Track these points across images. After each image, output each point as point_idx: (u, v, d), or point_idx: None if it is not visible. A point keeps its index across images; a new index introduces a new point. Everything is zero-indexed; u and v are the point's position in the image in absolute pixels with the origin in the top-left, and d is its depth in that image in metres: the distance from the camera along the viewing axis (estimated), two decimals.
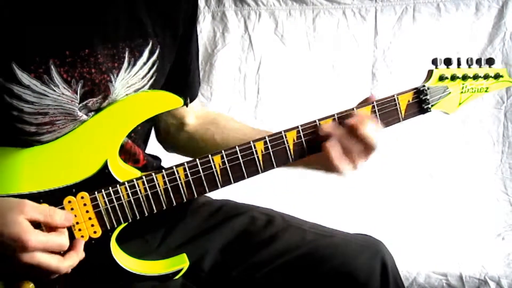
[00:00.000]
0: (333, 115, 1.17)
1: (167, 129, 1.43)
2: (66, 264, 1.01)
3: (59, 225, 1.02)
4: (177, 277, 1.17)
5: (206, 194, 1.18)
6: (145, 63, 1.17)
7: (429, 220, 2.38)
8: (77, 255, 1.05)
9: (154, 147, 1.44)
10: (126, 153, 1.23)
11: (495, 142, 2.59)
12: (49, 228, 1.01)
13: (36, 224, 0.99)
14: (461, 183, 2.55)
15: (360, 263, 1.25)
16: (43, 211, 1.00)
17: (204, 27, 2.54)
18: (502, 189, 2.56)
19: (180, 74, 1.33)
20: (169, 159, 1.41)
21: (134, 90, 1.17)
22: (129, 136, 1.22)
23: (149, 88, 1.19)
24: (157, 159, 1.41)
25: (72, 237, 1.06)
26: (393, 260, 1.29)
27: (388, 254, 1.28)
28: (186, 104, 1.14)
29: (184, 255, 1.19)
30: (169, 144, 1.47)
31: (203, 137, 1.38)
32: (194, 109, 1.42)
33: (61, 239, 1.01)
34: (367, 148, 1.14)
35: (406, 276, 2.01)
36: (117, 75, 1.12)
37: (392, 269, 1.27)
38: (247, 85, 2.59)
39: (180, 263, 1.17)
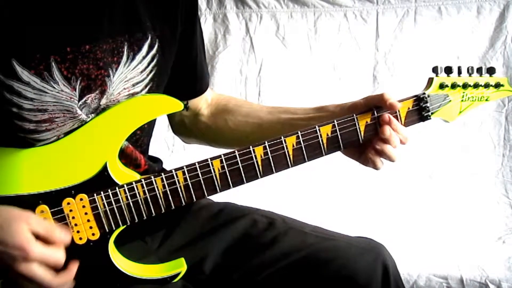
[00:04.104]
0: (333, 121, 1.17)
1: (182, 122, 1.44)
2: (58, 281, 1.03)
3: (58, 241, 1.03)
4: (175, 280, 1.17)
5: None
6: (144, 57, 1.17)
7: (430, 223, 2.37)
8: (70, 276, 1.06)
9: (155, 148, 1.44)
10: (127, 158, 1.23)
11: (496, 145, 2.59)
12: (48, 242, 1.02)
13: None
14: (462, 186, 2.55)
15: (361, 266, 1.24)
16: (45, 225, 1.02)
17: (206, 29, 2.54)
18: (503, 192, 2.56)
19: (188, 67, 1.34)
20: (170, 162, 1.41)
21: (132, 84, 1.17)
22: (134, 134, 1.22)
23: (149, 82, 1.20)
24: (158, 161, 1.41)
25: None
26: (394, 263, 1.29)
27: (389, 257, 1.28)
28: (186, 107, 1.14)
29: (182, 259, 1.19)
30: (186, 136, 1.50)
31: (218, 125, 1.40)
32: (207, 98, 1.44)
33: (58, 254, 1.03)
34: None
35: (407, 279, 2.00)
36: (116, 70, 1.13)
37: (393, 272, 1.27)
38: (248, 87, 2.59)
39: (178, 267, 1.17)
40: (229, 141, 1.39)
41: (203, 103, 1.42)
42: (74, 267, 1.07)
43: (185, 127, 1.45)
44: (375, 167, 1.20)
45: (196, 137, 1.47)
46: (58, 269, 1.04)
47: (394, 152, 1.17)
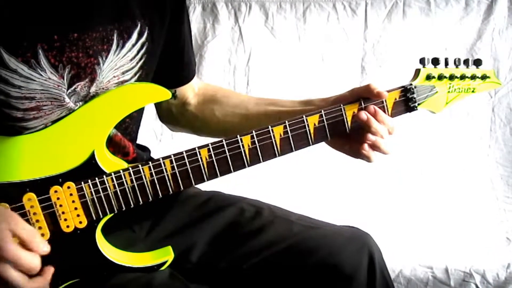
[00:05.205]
0: (320, 111, 1.18)
1: (169, 111, 1.44)
2: (30, 286, 1.01)
3: (35, 249, 1.00)
4: (162, 268, 1.17)
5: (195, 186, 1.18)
6: (133, 45, 1.17)
7: (415, 213, 2.39)
8: (44, 282, 1.04)
9: (143, 137, 1.44)
10: (115, 146, 1.23)
11: (482, 137, 2.61)
12: (26, 248, 1.00)
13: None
14: (448, 177, 2.57)
15: (347, 255, 1.25)
16: (27, 230, 1.00)
17: (194, 18, 2.53)
18: (488, 183, 2.58)
19: (175, 55, 1.34)
20: (159, 150, 1.41)
21: (122, 72, 1.17)
22: (123, 121, 1.22)
23: (139, 69, 1.20)
24: (146, 150, 1.41)
25: (57, 227, 1.07)
26: (380, 253, 1.29)
27: (375, 247, 1.29)
28: (174, 96, 1.14)
29: (169, 247, 1.19)
30: (173, 124, 1.50)
31: (205, 115, 1.40)
32: (194, 87, 1.44)
33: (34, 261, 1.00)
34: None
35: (393, 269, 2.02)
36: (106, 58, 1.13)
37: (379, 261, 1.27)
38: (237, 77, 2.59)
39: (165, 255, 1.18)
40: (215, 131, 1.39)
41: (190, 92, 1.42)
42: (49, 272, 1.05)
43: (172, 115, 1.45)
44: (368, 160, 1.21)
45: (183, 126, 1.48)
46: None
47: (385, 144, 1.18)
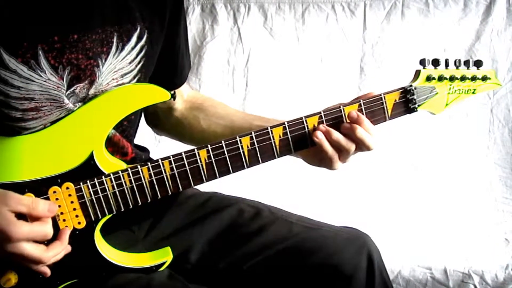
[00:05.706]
0: (319, 113, 1.17)
1: (156, 114, 1.43)
2: (50, 254, 1.03)
3: (42, 216, 1.03)
4: (161, 269, 1.18)
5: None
6: (133, 48, 1.17)
7: (414, 214, 2.39)
8: (62, 245, 1.06)
9: (142, 138, 1.44)
10: (114, 146, 1.23)
11: (480, 138, 2.61)
12: (33, 218, 1.02)
13: (21, 215, 1.00)
14: (447, 178, 2.57)
15: (346, 256, 1.26)
16: (26, 202, 1.01)
17: (193, 19, 2.53)
18: (486, 184, 2.58)
19: (169, 58, 1.33)
20: (158, 151, 1.41)
21: (121, 74, 1.17)
22: (120, 124, 1.22)
23: (137, 73, 1.20)
24: (145, 150, 1.41)
25: (56, 228, 1.07)
26: (379, 253, 1.30)
27: (374, 247, 1.29)
28: (173, 97, 1.14)
29: (168, 248, 1.20)
30: (158, 127, 1.49)
31: (190, 122, 1.40)
32: (183, 93, 1.43)
33: (45, 228, 1.02)
34: (362, 149, 1.15)
35: (392, 269, 2.02)
36: (105, 60, 1.13)
37: (378, 262, 1.28)
38: (236, 78, 2.59)
39: (164, 256, 1.18)
40: (198, 140, 1.38)
41: (178, 98, 1.41)
42: (65, 234, 1.07)
43: (158, 119, 1.44)
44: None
45: (167, 131, 1.47)
46: (49, 241, 1.04)
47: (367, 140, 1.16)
